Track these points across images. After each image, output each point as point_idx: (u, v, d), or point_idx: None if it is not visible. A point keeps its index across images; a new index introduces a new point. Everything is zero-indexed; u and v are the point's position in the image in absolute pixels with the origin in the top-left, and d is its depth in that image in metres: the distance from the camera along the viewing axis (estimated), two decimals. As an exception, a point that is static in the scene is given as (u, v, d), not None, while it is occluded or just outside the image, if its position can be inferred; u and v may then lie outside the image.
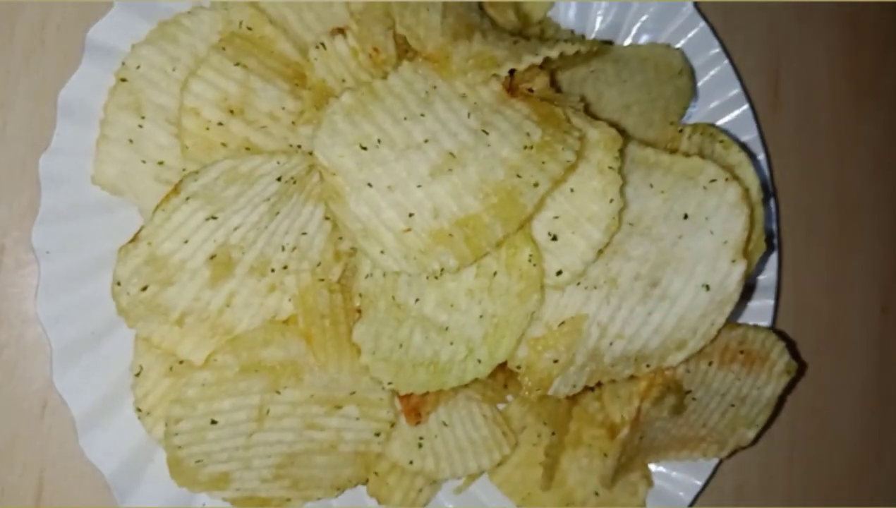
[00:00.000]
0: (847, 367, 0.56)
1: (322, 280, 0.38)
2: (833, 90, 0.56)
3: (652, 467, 0.46)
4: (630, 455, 0.42)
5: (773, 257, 0.46)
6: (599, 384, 0.44)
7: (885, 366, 0.57)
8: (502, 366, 0.42)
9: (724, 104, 0.45)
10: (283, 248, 0.37)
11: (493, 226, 0.33)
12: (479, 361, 0.36)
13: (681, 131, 0.41)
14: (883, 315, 0.57)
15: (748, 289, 0.45)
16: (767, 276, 0.46)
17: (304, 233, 0.37)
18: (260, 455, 0.38)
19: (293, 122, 0.37)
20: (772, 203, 0.47)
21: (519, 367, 0.37)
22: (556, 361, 0.37)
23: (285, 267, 0.37)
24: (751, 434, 0.45)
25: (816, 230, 0.55)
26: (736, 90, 0.46)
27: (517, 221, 0.33)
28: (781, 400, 0.46)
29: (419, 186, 0.33)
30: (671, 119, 0.42)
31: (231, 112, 0.36)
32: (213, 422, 0.35)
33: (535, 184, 0.33)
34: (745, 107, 0.46)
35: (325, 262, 0.38)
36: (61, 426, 0.39)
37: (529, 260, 0.34)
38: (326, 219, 0.38)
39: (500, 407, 0.44)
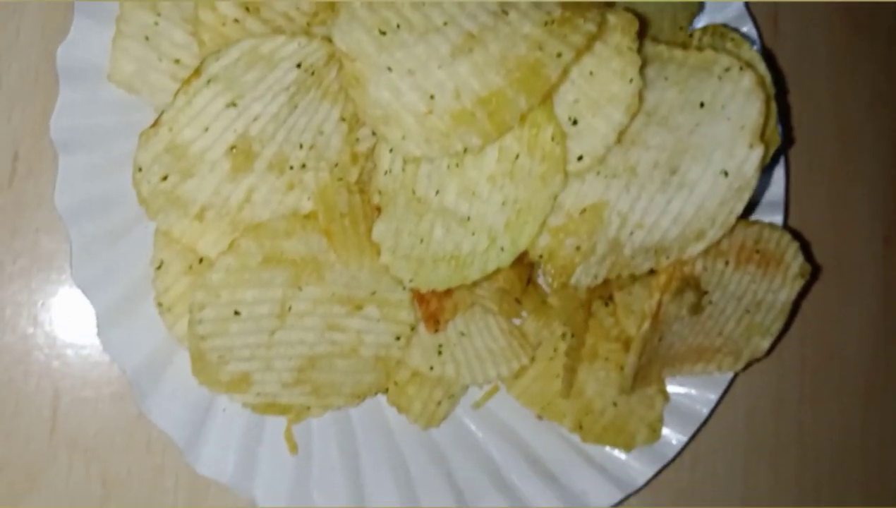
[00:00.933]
0: (853, 297, 0.56)
1: (340, 179, 0.38)
2: (830, 27, 0.57)
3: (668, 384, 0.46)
4: (649, 358, 0.42)
5: (781, 173, 0.46)
6: (612, 298, 0.45)
7: (891, 295, 0.57)
8: (518, 274, 0.42)
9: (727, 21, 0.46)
10: (301, 146, 0.37)
11: (517, 98, 0.33)
12: (502, 249, 0.36)
13: (691, 35, 0.42)
14: (885, 246, 0.58)
15: (753, 208, 0.46)
16: (775, 191, 0.47)
17: (322, 133, 0.37)
18: (281, 356, 0.37)
19: (308, 24, 0.38)
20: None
21: (541, 257, 0.37)
22: (578, 248, 0.37)
23: (303, 166, 0.37)
24: (765, 344, 0.45)
25: (817, 163, 0.55)
26: (740, 8, 0.46)
27: (541, 92, 0.33)
28: (795, 308, 0.46)
29: (440, 67, 0.33)
30: (680, 24, 0.42)
31: (247, 9, 0.36)
32: (237, 313, 0.35)
33: (559, 55, 0.33)
34: (750, 25, 0.46)
35: (343, 163, 0.38)
36: (77, 334, 0.39)
37: (552, 140, 0.34)
38: (343, 120, 0.38)
39: (516, 322, 0.44)
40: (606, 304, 0.45)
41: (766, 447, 0.53)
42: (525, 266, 0.42)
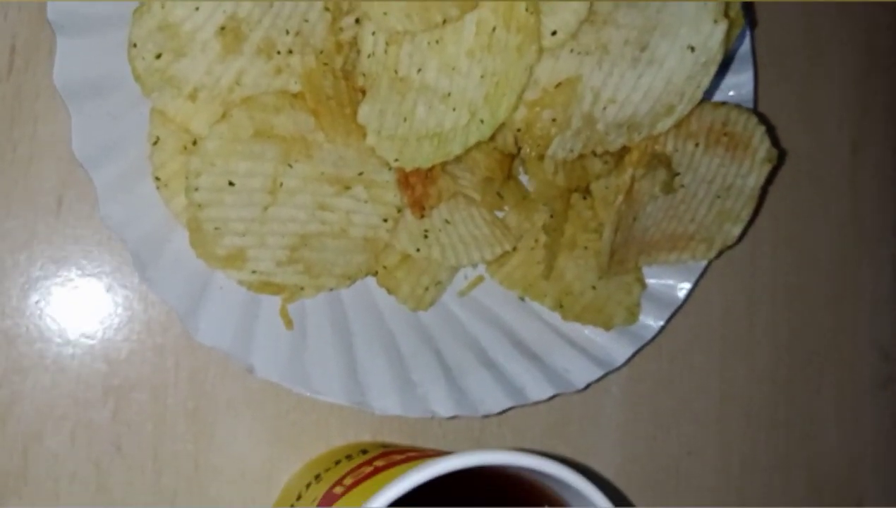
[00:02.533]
0: (821, 202, 0.58)
1: (326, 64, 0.39)
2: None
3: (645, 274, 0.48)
4: (625, 239, 0.45)
5: (749, 64, 0.48)
6: (590, 191, 0.47)
7: (859, 201, 0.60)
8: (499, 163, 0.44)
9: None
10: (287, 32, 0.38)
11: (492, -33, 0.35)
12: (482, 121, 0.38)
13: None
14: (853, 153, 0.60)
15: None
16: (744, 82, 0.48)
17: (307, 21, 0.39)
18: (274, 233, 0.39)
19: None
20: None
21: (519, 130, 0.39)
22: (553, 120, 0.39)
23: (290, 52, 0.39)
24: (736, 231, 0.48)
25: (787, 70, 0.57)
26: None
27: (515, -41, 0.35)
28: (767, 205, 0.48)
29: (418, -58, 0.35)
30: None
31: None
32: (231, 184, 0.37)
33: (531, -76, 0.35)
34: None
35: (328, 51, 0.40)
36: (77, 220, 0.40)
37: (527, 10, 0.36)
38: (327, 10, 0.39)
39: (499, 215, 0.46)
40: (584, 197, 0.47)
41: (741, 343, 0.55)
42: (506, 156, 0.44)
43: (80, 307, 0.41)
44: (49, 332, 0.40)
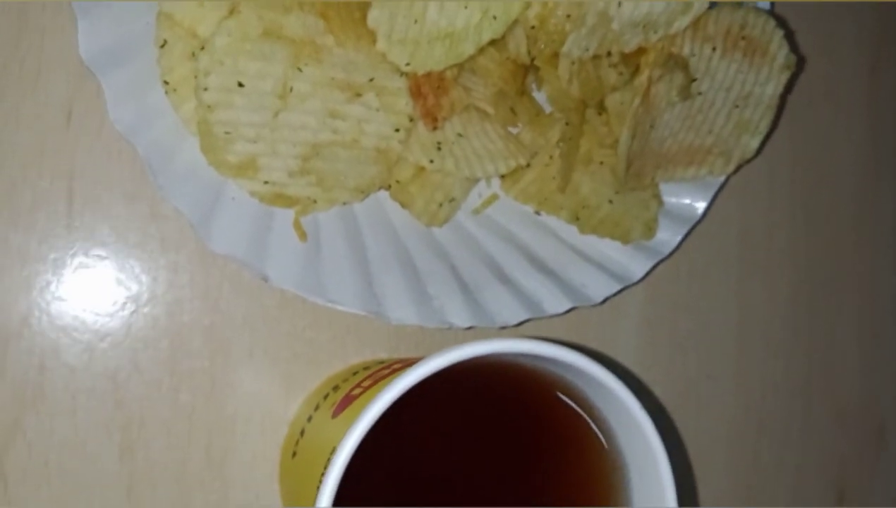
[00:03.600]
0: (840, 121, 0.57)
1: (334, -32, 0.39)
2: None
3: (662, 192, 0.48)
4: (641, 148, 0.44)
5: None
6: (605, 108, 0.46)
7: (877, 122, 0.59)
8: (512, 73, 0.43)
9: None
10: (294, -65, 0.38)
11: None
12: (495, 18, 0.37)
13: None
14: (871, 75, 0.59)
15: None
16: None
17: (314, -76, 0.38)
18: (286, 141, 0.39)
19: None
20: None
21: (532, 28, 0.38)
22: (568, 16, 0.38)
23: (298, -44, 0.38)
24: (755, 144, 0.47)
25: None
26: None
27: None
28: (780, 110, 0.47)
29: None
30: None
31: None
32: (240, 85, 0.36)
33: None
34: None
35: (336, -44, 0.39)
36: (87, 134, 0.40)
37: None
38: (334, -86, 0.38)
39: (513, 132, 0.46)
40: (600, 114, 0.46)
41: (759, 265, 0.55)
42: (519, 67, 0.44)
43: (93, 224, 0.40)
44: (62, 248, 0.40)
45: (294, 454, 0.39)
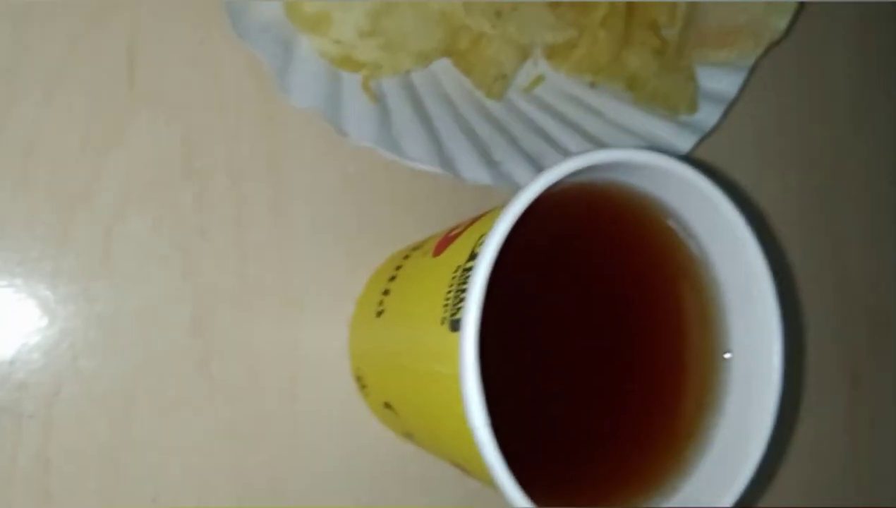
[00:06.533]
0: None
1: None
2: None
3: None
4: (687, 22, 0.45)
5: None
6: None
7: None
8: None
9: None
10: None
11: None
12: None
13: None
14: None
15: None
16: None
17: None
18: (358, -6, 0.38)
19: None
20: None
21: None
22: None
23: None
24: (782, 24, 0.49)
25: None
26: None
27: None
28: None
29: None
30: None
31: None
32: (324, -74, 0.36)
33: None
34: None
35: None
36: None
37: None
38: None
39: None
40: (638, -3, 0.48)
41: (775, 161, 0.57)
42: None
43: (158, 82, 0.38)
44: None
45: (380, 312, 0.38)
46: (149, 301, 0.37)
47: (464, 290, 0.28)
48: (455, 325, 0.29)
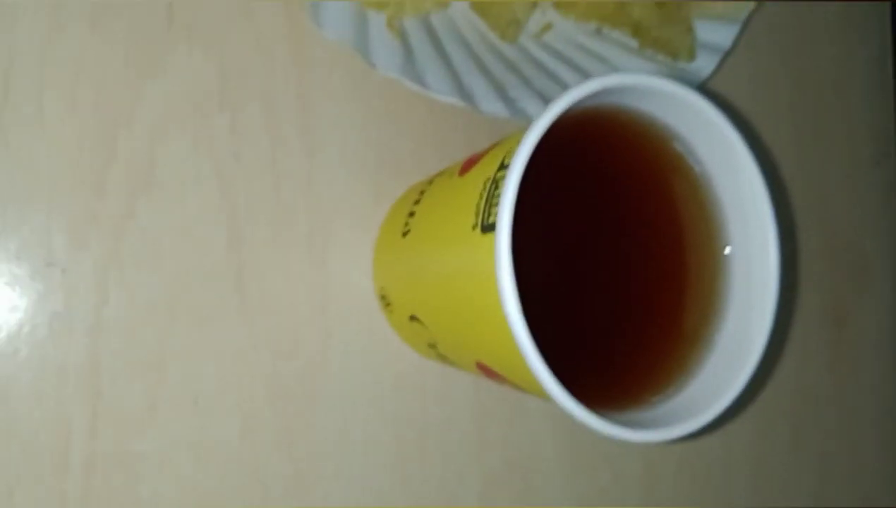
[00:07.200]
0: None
1: None
2: None
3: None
4: (691, -28, 0.48)
5: None
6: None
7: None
8: None
9: None
10: None
11: None
12: None
13: None
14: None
15: None
16: None
17: None
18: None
19: None
20: None
21: None
22: None
23: None
24: (776, -20, 0.52)
25: None
26: None
27: None
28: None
29: None
30: None
31: None
32: None
33: None
34: None
35: None
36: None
37: None
38: None
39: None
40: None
41: (765, 122, 0.60)
42: None
43: (196, 16, 0.41)
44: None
45: (406, 232, 0.41)
46: (187, 219, 0.40)
47: (497, 196, 0.31)
48: (489, 228, 0.31)
